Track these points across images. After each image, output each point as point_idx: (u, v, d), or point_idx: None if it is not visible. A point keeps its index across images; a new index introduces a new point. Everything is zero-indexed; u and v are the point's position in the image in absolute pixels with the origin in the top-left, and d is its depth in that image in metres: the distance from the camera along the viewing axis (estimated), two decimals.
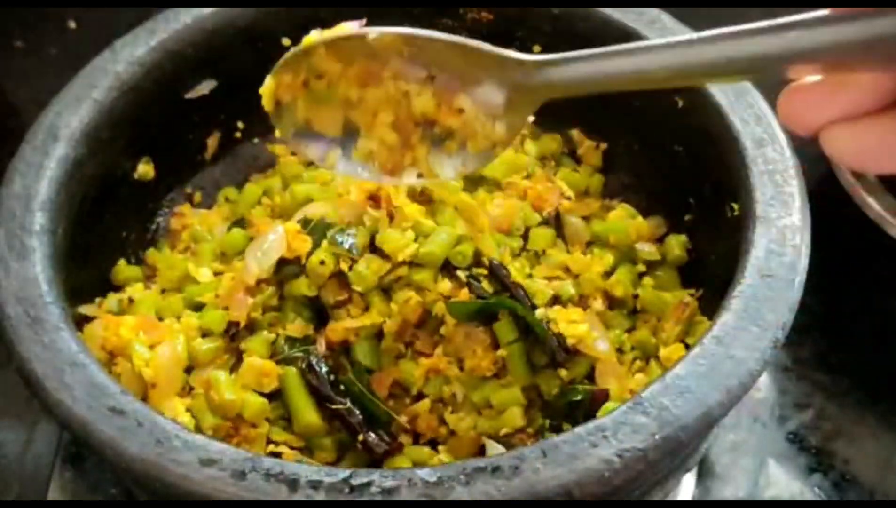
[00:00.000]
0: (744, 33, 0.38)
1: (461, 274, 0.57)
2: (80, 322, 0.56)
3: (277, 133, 0.50)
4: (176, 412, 0.54)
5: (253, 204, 0.65)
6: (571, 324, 0.56)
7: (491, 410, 0.56)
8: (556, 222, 0.63)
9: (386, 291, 0.58)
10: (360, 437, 0.54)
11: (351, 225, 0.58)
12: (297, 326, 0.58)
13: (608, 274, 0.60)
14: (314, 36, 0.48)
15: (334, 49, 0.46)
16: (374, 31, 0.46)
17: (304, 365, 0.56)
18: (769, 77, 0.39)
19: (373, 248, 0.58)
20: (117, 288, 0.61)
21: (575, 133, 0.68)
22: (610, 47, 0.41)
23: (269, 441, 0.55)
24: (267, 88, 0.49)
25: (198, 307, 0.59)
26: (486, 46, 0.45)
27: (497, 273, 0.57)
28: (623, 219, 0.62)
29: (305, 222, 0.59)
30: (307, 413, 0.55)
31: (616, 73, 0.41)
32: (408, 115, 0.47)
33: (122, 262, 0.62)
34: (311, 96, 0.48)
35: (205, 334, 0.57)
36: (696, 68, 0.39)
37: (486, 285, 0.57)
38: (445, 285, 0.57)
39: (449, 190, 0.60)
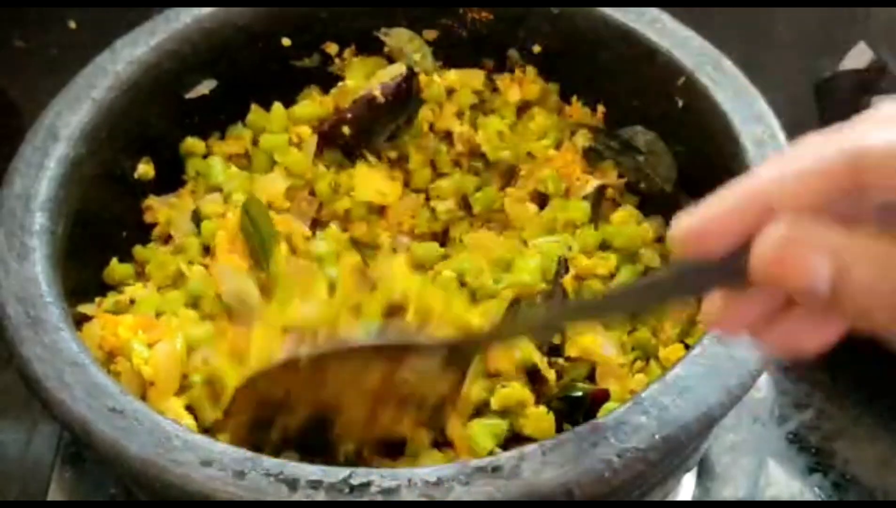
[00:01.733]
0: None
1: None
2: (80, 322, 0.56)
3: None
4: (176, 413, 0.54)
5: (221, 177, 0.64)
6: (579, 336, 0.56)
7: None
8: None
9: None
10: None
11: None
12: None
13: (610, 276, 0.60)
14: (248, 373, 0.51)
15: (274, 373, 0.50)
16: (303, 358, 0.49)
17: None
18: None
19: None
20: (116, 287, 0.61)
21: None
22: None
23: None
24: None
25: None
26: (402, 341, 0.49)
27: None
28: (627, 221, 0.62)
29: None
30: None
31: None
32: (364, 391, 0.50)
33: (114, 261, 0.61)
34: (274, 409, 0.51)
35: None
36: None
37: None
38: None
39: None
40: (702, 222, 0.36)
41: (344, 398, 0.50)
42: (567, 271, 0.59)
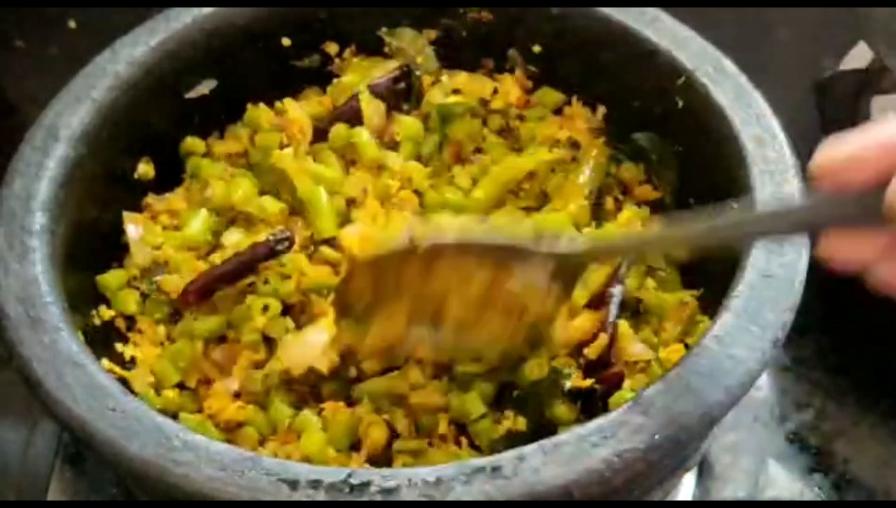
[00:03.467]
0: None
1: None
2: (86, 331, 0.55)
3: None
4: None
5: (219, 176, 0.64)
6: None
7: None
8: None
9: None
10: None
11: None
12: None
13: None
14: (365, 254, 0.55)
15: (387, 260, 0.52)
16: (421, 246, 0.51)
17: None
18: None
19: None
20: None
21: None
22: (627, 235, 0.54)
23: None
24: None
25: None
26: (520, 243, 0.50)
27: None
28: (633, 222, 0.62)
29: None
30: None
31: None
32: (471, 293, 0.51)
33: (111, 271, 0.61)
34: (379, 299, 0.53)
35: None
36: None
37: None
38: None
39: None
40: (845, 156, 0.39)
41: (451, 297, 0.51)
42: (625, 274, 0.58)
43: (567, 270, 0.50)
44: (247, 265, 0.58)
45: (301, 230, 0.61)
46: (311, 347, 0.55)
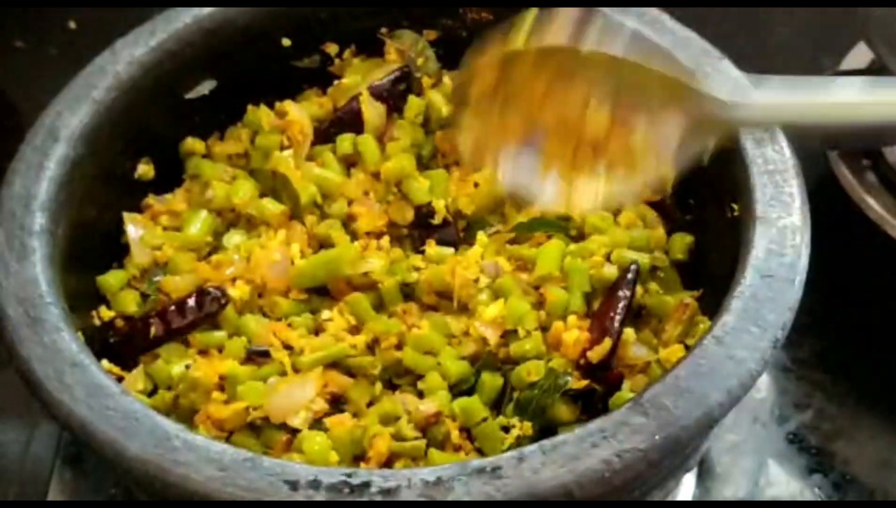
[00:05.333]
0: None
1: None
2: (85, 328, 0.55)
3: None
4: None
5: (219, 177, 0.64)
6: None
7: None
8: None
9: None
10: None
11: None
12: None
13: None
14: (523, 40, 0.49)
15: (539, 54, 0.48)
16: (586, 47, 0.46)
17: None
18: None
19: None
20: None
21: None
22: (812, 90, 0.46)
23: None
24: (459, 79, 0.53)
25: None
26: (689, 81, 0.46)
27: None
28: (634, 222, 0.62)
29: None
30: None
31: (813, 123, 0.46)
32: (579, 131, 0.48)
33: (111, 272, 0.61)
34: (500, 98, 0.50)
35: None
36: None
37: None
38: None
39: None
40: None
41: (560, 126, 0.48)
42: (637, 279, 0.57)
43: (700, 133, 0.46)
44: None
45: (302, 233, 0.61)
46: (294, 401, 0.54)
